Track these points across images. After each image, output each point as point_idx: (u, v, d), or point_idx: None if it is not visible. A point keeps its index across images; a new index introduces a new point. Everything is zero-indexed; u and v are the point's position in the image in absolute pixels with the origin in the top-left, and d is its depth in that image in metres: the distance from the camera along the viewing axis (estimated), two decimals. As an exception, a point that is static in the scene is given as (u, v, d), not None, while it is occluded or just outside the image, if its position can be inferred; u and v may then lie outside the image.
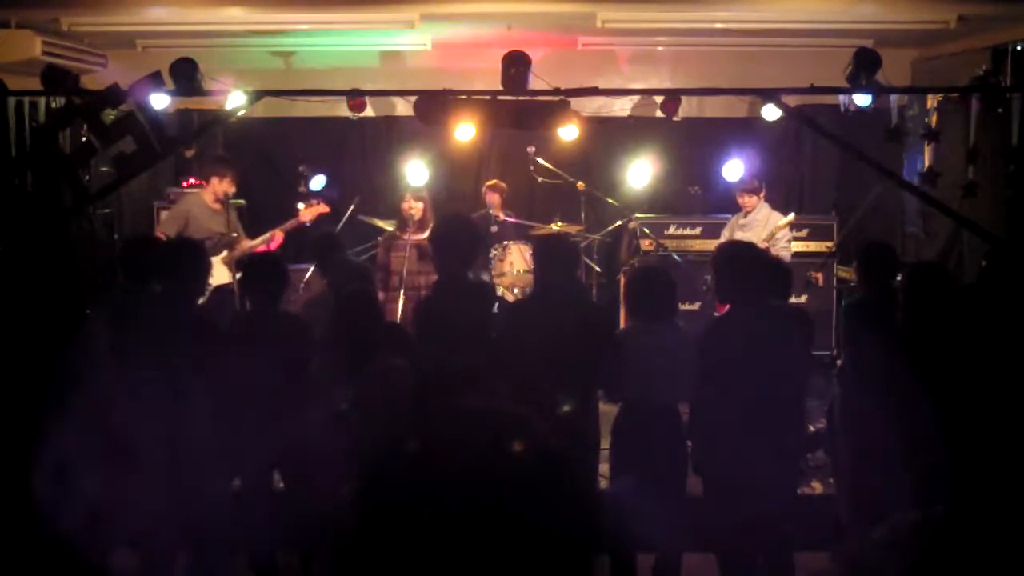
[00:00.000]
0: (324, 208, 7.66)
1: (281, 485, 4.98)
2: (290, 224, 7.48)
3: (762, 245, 7.30)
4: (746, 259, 4.51)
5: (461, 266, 4.95)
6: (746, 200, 7.73)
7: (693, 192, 9.22)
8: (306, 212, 7.57)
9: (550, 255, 4.93)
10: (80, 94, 5.86)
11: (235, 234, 7.39)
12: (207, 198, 7.36)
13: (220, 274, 7.25)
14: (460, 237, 4.97)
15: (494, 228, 8.25)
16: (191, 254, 4.72)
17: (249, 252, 7.12)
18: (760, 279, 4.43)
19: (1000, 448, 3.63)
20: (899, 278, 5.36)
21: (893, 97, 8.24)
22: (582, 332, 4.53)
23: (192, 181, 8.73)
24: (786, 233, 7.66)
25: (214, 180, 7.38)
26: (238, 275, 6.30)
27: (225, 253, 7.24)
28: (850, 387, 5.15)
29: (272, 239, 7.41)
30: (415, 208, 7.39)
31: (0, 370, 4.30)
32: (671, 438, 4.61)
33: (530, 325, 4.62)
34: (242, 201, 8.17)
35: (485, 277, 7.96)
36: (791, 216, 7.76)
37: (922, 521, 1.96)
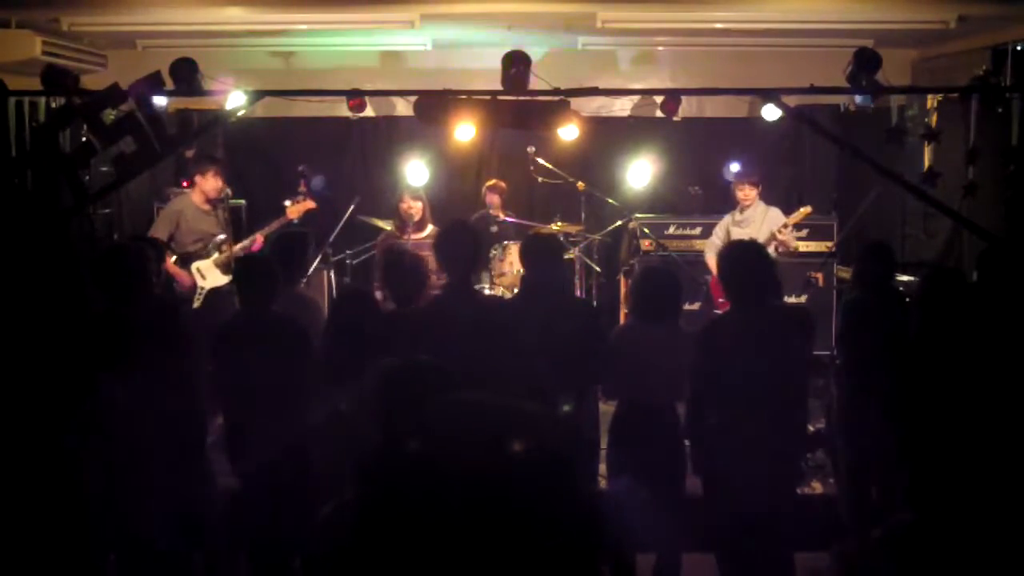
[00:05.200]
0: (310, 204, 7.57)
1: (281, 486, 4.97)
2: (275, 224, 7.36)
3: (776, 233, 7.38)
4: (748, 258, 4.49)
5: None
6: (747, 192, 7.70)
7: (693, 192, 9.22)
8: (293, 209, 7.46)
9: (535, 253, 4.90)
10: (80, 94, 5.86)
11: (225, 236, 7.33)
12: (196, 199, 7.33)
13: (213, 277, 7.23)
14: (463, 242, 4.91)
15: (494, 228, 8.25)
16: (127, 259, 4.62)
17: (240, 254, 7.07)
18: (761, 279, 4.42)
19: (999, 450, 3.63)
20: (903, 278, 5.35)
21: (893, 97, 8.25)
22: (570, 329, 4.50)
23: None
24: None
25: (198, 179, 7.35)
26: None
27: (217, 255, 7.21)
28: (848, 387, 5.16)
29: (254, 242, 7.32)
30: (413, 208, 7.37)
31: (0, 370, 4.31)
32: (668, 437, 4.61)
33: (517, 323, 4.58)
34: (242, 201, 8.16)
35: (485, 277, 7.96)
36: (808, 208, 7.76)
37: (920, 522, 1.97)
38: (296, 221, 7.44)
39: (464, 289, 4.81)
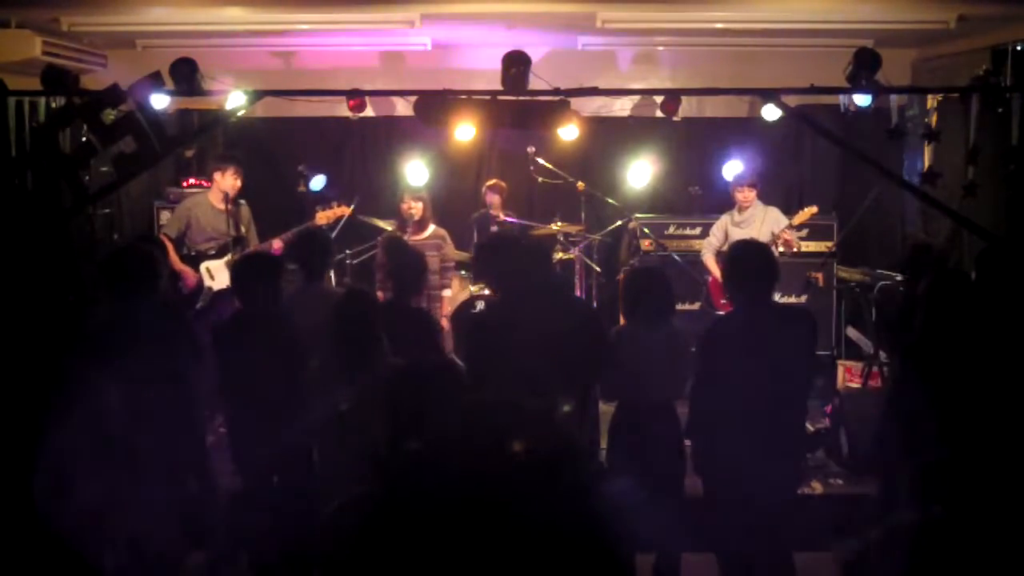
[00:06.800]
0: (344, 210, 7.45)
1: (282, 486, 4.97)
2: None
3: (780, 233, 7.40)
4: (754, 259, 4.49)
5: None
6: (746, 194, 7.72)
7: (693, 192, 9.22)
8: (322, 215, 7.36)
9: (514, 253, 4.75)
10: (80, 94, 5.86)
11: (245, 235, 7.28)
12: (212, 198, 7.26)
13: (222, 278, 7.15)
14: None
15: (494, 228, 8.25)
16: (137, 260, 4.63)
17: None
18: (766, 279, 4.42)
19: (1001, 449, 3.63)
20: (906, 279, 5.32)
21: (893, 97, 8.25)
22: (569, 329, 4.46)
23: (192, 181, 8.71)
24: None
25: (216, 176, 7.27)
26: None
27: (229, 256, 7.12)
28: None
29: (271, 248, 7.17)
30: (414, 208, 7.36)
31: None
32: (667, 437, 4.61)
33: (516, 323, 4.53)
34: (242, 201, 8.13)
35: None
36: (813, 208, 7.80)
37: (922, 521, 1.97)
38: (326, 228, 7.37)
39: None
